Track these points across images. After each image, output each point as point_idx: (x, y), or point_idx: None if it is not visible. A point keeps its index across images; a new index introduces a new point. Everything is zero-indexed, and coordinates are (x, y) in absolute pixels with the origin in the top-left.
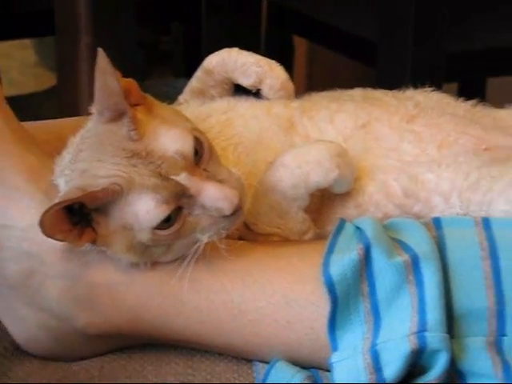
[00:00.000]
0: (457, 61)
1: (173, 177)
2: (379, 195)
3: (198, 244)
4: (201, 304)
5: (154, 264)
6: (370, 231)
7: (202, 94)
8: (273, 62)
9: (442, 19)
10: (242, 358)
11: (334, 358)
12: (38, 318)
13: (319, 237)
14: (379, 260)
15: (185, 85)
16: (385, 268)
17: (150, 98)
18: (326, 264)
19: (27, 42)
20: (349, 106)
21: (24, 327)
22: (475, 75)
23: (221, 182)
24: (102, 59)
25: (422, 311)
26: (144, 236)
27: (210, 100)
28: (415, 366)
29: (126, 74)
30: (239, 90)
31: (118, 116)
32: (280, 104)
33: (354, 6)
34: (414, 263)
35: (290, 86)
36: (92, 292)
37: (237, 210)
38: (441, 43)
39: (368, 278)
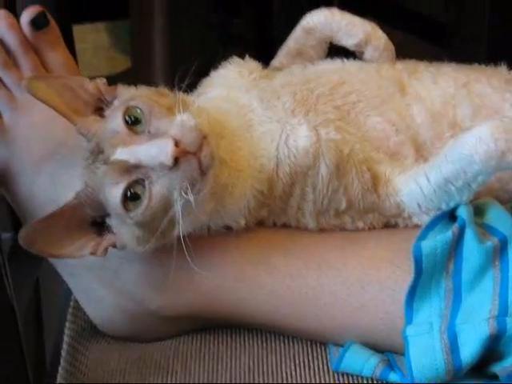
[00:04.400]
0: None
1: (112, 157)
2: None
3: (177, 207)
4: (277, 288)
5: (228, 247)
6: (465, 214)
7: (299, 55)
8: (372, 23)
9: None
10: (316, 340)
11: (409, 331)
12: (115, 300)
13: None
14: (471, 241)
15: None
16: (475, 250)
17: (119, 88)
18: (421, 238)
19: (100, 25)
20: (446, 69)
21: (101, 308)
22: None
23: (159, 136)
24: (38, 90)
25: (503, 296)
26: (130, 221)
27: (309, 63)
28: (492, 351)
29: (197, 56)
30: None
31: None
32: (386, 66)
33: None
34: (502, 247)
35: (391, 46)
36: (168, 275)
37: (181, 156)
38: None
39: (456, 257)
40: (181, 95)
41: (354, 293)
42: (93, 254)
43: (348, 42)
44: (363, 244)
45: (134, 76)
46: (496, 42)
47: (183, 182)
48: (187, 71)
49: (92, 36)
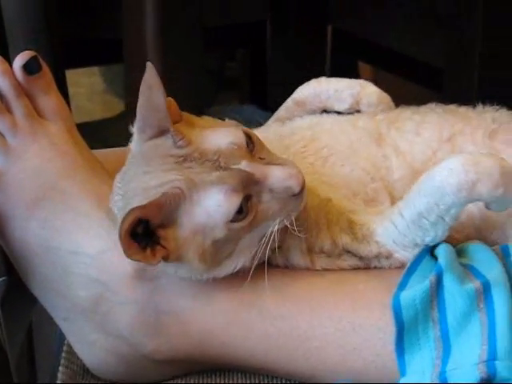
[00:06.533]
0: None
1: (234, 166)
2: (462, 215)
3: (269, 232)
4: (268, 330)
5: (220, 289)
6: (443, 259)
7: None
8: (361, 80)
9: (507, 43)
10: (309, 383)
11: (403, 381)
12: (108, 344)
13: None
14: (451, 287)
15: (250, 111)
16: (456, 295)
17: (186, 115)
18: (399, 288)
19: (95, 69)
20: (432, 117)
21: (94, 352)
22: None
23: (280, 164)
24: (151, 74)
25: (491, 340)
26: (219, 233)
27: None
28: None
29: (193, 101)
30: None
31: (159, 133)
32: (365, 117)
33: (419, 32)
34: (485, 290)
35: (386, 97)
36: (159, 319)
37: (303, 188)
38: (508, 69)
39: (439, 304)
40: None
41: (345, 335)
42: (144, 261)
43: (340, 108)
44: (354, 286)
45: (128, 120)
46: (487, 81)
47: (290, 212)
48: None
49: (87, 80)
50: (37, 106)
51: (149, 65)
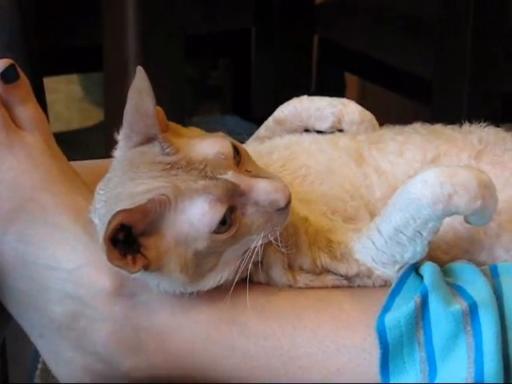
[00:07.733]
0: None
1: (220, 176)
2: (448, 235)
3: (253, 246)
4: (250, 350)
5: (201, 306)
6: (428, 278)
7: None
8: (343, 99)
9: (498, 58)
10: None
11: None
12: (84, 361)
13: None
14: (436, 308)
15: (233, 121)
16: (442, 316)
17: (173, 125)
18: (384, 310)
19: (73, 76)
20: (415, 139)
21: (69, 369)
22: None
23: (267, 178)
24: (141, 78)
25: (478, 362)
26: (201, 244)
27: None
28: None
29: (174, 110)
30: None
31: (146, 140)
32: (346, 137)
33: (407, 44)
34: (472, 312)
35: (369, 115)
36: (138, 336)
37: (289, 203)
38: (497, 82)
39: (424, 326)
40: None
41: (329, 356)
42: (125, 268)
43: (322, 127)
44: (338, 306)
45: (106, 130)
46: (476, 93)
47: (275, 227)
48: None
49: (65, 87)
50: (14, 115)
51: (139, 69)
